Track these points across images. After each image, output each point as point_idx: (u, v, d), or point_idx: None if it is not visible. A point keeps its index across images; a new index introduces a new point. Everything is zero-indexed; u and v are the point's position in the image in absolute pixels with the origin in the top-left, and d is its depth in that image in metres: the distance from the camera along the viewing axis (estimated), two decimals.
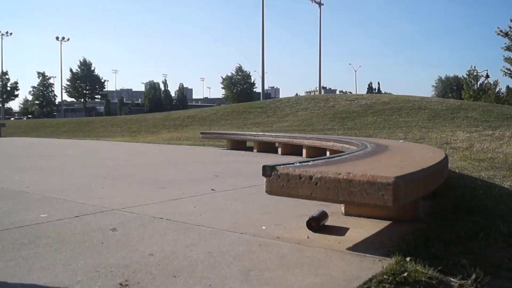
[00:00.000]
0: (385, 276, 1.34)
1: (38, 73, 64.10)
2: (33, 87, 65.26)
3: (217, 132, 7.32)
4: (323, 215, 2.01)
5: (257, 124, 13.18)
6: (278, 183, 1.76)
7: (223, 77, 60.74)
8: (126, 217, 2.22)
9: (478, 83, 38.54)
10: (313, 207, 2.29)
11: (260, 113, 15.44)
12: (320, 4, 44.42)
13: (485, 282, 1.32)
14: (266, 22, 36.50)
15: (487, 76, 36.92)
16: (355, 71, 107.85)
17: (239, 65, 58.93)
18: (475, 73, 38.88)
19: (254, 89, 58.06)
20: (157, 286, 1.31)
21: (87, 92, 60.49)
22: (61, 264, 1.49)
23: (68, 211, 2.36)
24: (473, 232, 1.86)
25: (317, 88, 50.88)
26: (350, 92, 56.95)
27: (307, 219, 1.95)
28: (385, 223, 2.07)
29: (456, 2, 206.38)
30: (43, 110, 63.62)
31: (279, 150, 6.48)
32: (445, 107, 12.34)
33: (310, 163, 1.90)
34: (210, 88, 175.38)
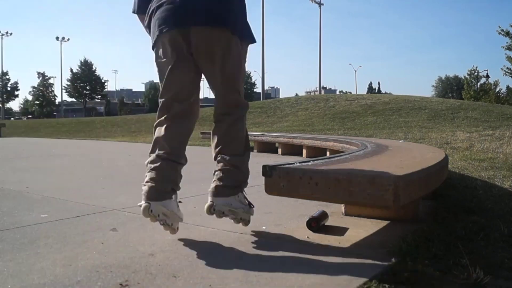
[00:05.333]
0: (385, 276, 1.35)
1: (38, 73, 64.22)
2: (33, 87, 65.36)
3: None
4: (323, 215, 2.01)
5: (257, 124, 13.18)
6: (278, 183, 1.76)
7: None
8: (126, 217, 2.22)
9: (479, 84, 38.53)
10: (313, 207, 2.29)
11: (260, 113, 15.44)
12: (320, 4, 44.45)
13: (485, 282, 1.32)
14: (266, 22, 36.51)
15: (487, 76, 36.90)
16: (355, 71, 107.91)
17: None
18: (476, 73, 38.89)
19: (255, 89, 58.07)
20: (157, 286, 1.31)
21: (88, 92, 60.49)
22: (61, 264, 1.49)
23: (68, 211, 2.36)
24: (473, 232, 1.86)
25: (317, 88, 50.89)
26: (350, 92, 56.94)
27: (307, 219, 1.95)
28: (385, 223, 2.07)
29: (456, 3, 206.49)
30: (43, 110, 63.58)
31: (279, 150, 6.48)
32: (445, 107, 12.35)
33: (310, 163, 1.90)
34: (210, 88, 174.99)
